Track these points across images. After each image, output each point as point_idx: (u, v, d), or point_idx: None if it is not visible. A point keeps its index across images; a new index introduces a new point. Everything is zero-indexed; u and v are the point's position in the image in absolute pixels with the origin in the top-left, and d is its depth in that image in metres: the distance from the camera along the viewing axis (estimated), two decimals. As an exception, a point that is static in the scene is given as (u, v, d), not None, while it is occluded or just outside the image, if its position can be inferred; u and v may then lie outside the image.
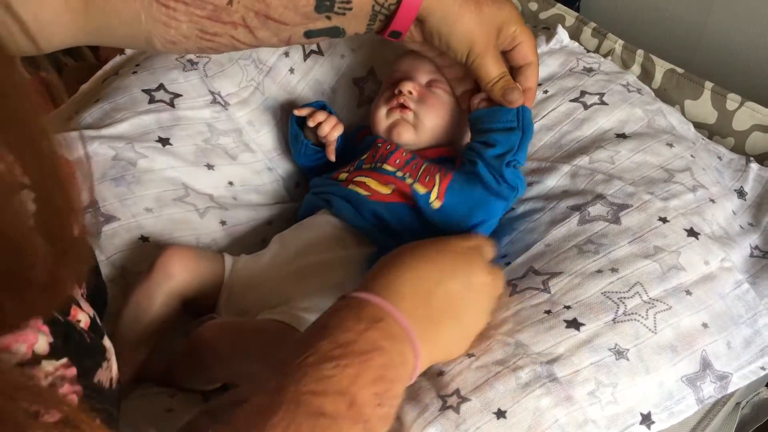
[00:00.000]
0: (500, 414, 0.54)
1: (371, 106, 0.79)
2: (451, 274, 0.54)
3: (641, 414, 0.57)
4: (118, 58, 0.89)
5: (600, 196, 0.70)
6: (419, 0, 0.62)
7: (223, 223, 0.77)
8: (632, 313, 0.60)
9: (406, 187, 0.69)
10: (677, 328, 0.60)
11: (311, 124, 0.77)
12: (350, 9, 0.61)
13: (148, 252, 0.70)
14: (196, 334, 0.62)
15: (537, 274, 0.65)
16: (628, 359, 0.58)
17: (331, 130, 0.77)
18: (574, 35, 0.94)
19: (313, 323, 0.50)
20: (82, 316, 0.38)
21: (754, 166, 0.80)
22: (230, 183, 0.81)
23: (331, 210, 0.72)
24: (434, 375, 0.57)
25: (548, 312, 0.61)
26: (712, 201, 0.72)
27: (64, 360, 0.34)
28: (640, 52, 0.90)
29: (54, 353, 0.33)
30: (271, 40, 0.61)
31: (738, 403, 0.69)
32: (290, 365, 0.45)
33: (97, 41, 0.58)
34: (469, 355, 0.58)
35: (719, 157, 0.81)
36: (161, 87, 0.81)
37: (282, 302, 0.66)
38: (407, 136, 0.74)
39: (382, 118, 0.76)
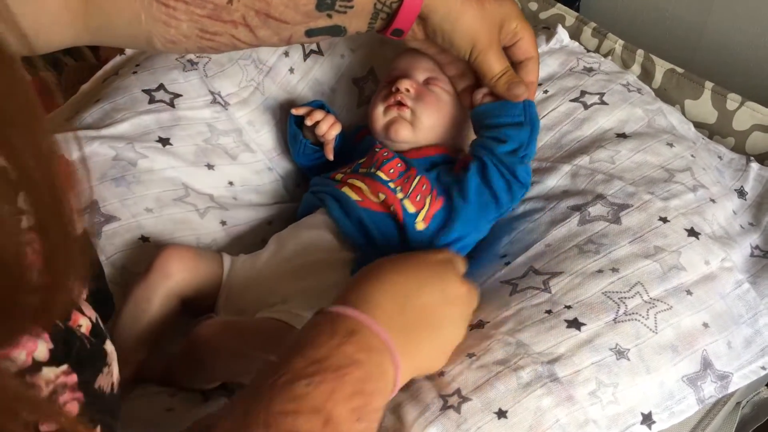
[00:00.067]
0: (501, 414, 0.54)
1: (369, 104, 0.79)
2: (426, 284, 0.54)
3: (642, 414, 0.57)
4: (118, 58, 0.89)
5: (600, 196, 0.70)
6: None
7: (223, 223, 0.77)
8: (633, 313, 0.60)
9: (396, 201, 0.69)
10: (678, 328, 0.60)
11: (309, 123, 0.77)
12: (351, 7, 0.61)
13: (148, 252, 0.70)
14: (195, 333, 0.62)
15: (537, 274, 0.65)
16: (628, 359, 0.58)
17: (329, 128, 0.77)
18: (574, 35, 0.94)
19: (288, 340, 0.49)
20: (83, 321, 0.37)
21: (755, 166, 0.80)
22: (230, 183, 0.81)
23: (327, 209, 0.72)
24: (435, 375, 0.57)
25: (549, 312, 0.60)
26: (713, 201, 0.72)
27: (65, 367, 0.34)
28: (640, 52, 0.90)
29: (54, 360, 0.33)
30: (271, 39, 0.61)
31: (738, 403, 0.69)
32: (261, 386, 0.44)
33: (97, 41, 0.58)
34: (470, 355, 0.58)
35: (719, 157, 0.81)
36: (161, 87, 0.81)
37: (279, 301, 0.66)
38: (404, 134, 0.74)
39: (380, 116, 0.76)
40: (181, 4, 0.56)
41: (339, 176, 0.74)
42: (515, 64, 0.70)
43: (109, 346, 0.39)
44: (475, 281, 0.65)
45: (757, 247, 0.72)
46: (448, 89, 0.76)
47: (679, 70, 0.88)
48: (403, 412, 0.55)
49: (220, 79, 0.85)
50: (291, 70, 0.89)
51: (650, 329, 0.60)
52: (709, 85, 0.86)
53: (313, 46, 0.89)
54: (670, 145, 0.76)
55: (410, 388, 0.57)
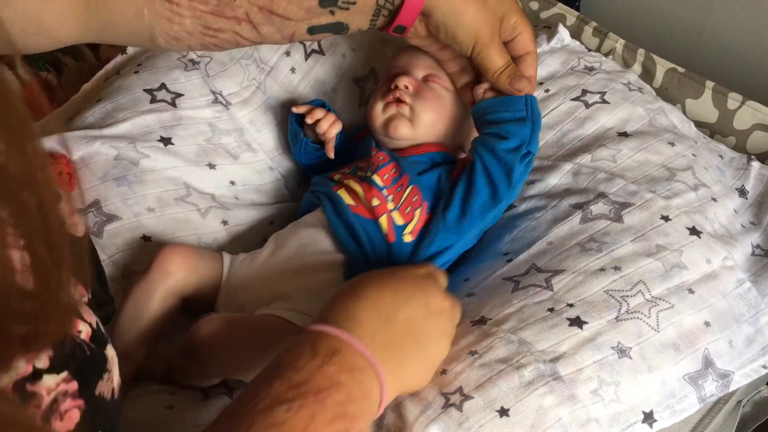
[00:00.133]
0: (503, 412, 0.54)
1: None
2: (408, 299, 0.53)
3: (643, 412, 0.57)
4: (119, 58, 0.89)
5: (602, 195, 0.70)
6: None
7: (224, 222, 0.77)
8: (635, 312, 0.60)
9: (386, 210, 0.70)
10: (679, 327, 0.61)
11: (309, 121, 0.77)
12: (354, 3, 0.61)
13: (149, 252, 0.70)
14: (194, 330, 0.62)
15: (540, 272, 0.65)
16: (630, 357, 0.58)
17: (330, 127, 0.77)
18: (575, 34, 0.94)
19: (268, 362, 0.47)
20: (84, 327, 0.37)
21: (756, 165, 0.80)
22: (232, 182, 0.81)
23: (323, 209, 0.72)
24: (437, 373, 0.57)
25: (551, 310, 0.60)
26: (714, 199, 0.72)
27: (65, 374, 0.34)
28: (641, 51, 0.90)
29: (54, 367, 0.33)
30: (274, 36, 0.61)
31: (739, 401, 0.69)
32: (241, 411, 0.43)
33: (101, 38, 0.58)
34: (472, 353, 0.58)
35: (720, 156, 0.81)
36: (163, 87, 0.81)
37: (278, 298, 0.66)
38: (403, 131, 0.74)
39: (379, 113, 0.75)
40: (185, 0, 0.56)
41: (337, 177, 0.74)
42: (514, 59, 0.70)
43: (109, 352, 0.39)
44: (476, 278, 0.65)
45: (758, 246, 0.72)
46: (447, 86, 0.76)
47: (680, 69, 0.88)
48: (405, 410, 0.55)
49: (221, 78, 0.85)
50: (292, 70, 0.89)
51: (652, 328, 0.60)
52: (710, 84, 0.86)
53: (315, 46, 0.89)
54: (672, 144, 0.76)
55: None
